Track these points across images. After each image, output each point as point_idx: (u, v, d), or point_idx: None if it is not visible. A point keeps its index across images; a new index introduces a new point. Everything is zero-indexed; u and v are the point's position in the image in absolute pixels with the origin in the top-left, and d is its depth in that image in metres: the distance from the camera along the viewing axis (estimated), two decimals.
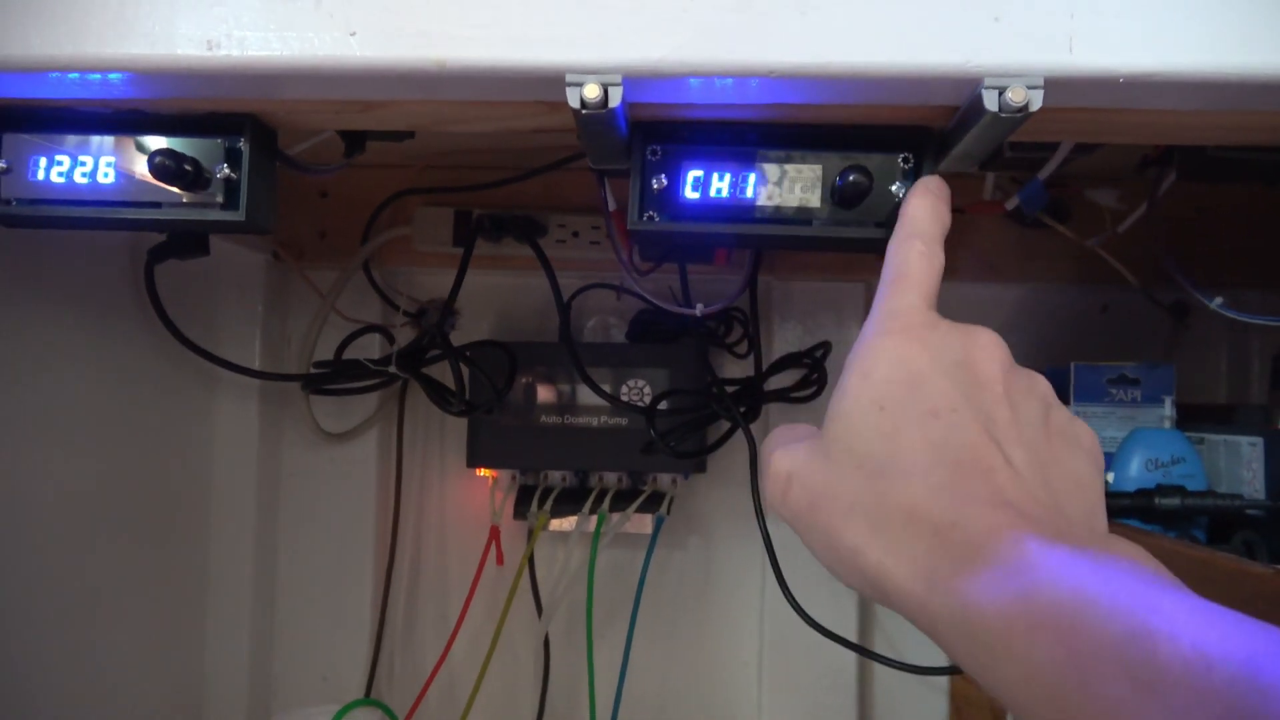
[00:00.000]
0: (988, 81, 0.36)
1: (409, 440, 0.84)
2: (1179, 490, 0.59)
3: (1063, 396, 0.59)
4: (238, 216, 0.44)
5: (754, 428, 0.71)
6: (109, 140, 0.44)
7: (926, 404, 0.30)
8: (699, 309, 0.65)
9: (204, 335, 0.69)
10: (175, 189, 0.44)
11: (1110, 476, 0.63)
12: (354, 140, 0.54)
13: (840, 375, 0.33)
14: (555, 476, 0.79)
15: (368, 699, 0.79)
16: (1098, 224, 0.71)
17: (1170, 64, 0.35)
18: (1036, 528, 0.26)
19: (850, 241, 0.43)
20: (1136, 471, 0.62)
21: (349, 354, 0.74)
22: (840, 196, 0.42)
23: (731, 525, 0.84)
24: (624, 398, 0.76)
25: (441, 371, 0.73)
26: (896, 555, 0.28)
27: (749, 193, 0.43)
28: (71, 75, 0.39)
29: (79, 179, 0.44)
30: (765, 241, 0.45)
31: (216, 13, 0.37)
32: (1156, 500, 0.58)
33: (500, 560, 0.79)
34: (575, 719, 0.82)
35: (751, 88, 0.38)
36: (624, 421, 0.76)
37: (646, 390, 0.76)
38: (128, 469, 0.68)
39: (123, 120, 0.44)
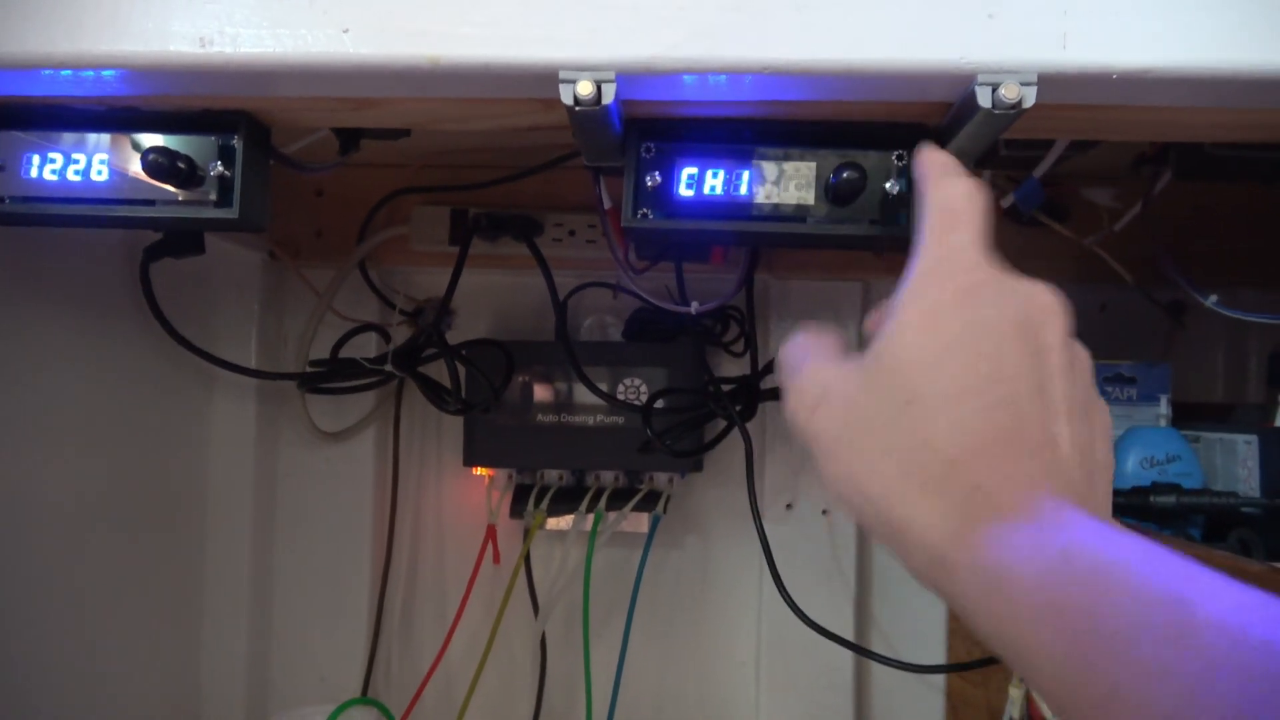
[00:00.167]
0: (981, 78, 0.36)
1: (405, 439, 0.84)
2: (1175, 488, 0.59)
3: None
4: (231, 214, 0.44)
5: (751, 426, 0.71)
6: (103, 138, 0.44)
7: (988, 362, 0.28)
8: (695, 307, 0.65)
9: (200, 334, 0.69)
10: (169, 187, 0.44)
11: None
12: (349, 138, 0.54)
13: (894, 309, 0.31)
14: (552, 475, 0.79)
15: (364, 698, 0.79)
16: (1094, 223, 0.71)
17: (1163, 61, 0.35)
18: (1076, 500, 0.27)
19: (845, 238, 0.43)
20: (1132, 469, 0.62)
21: (345, 353, 0.74)
22: (835, 194, 0.42)
23: (728, 524, 0.84)
24: (620, 396, 0.76)
25: (438, 370, 0.73)
26: (924, 503, 0.27)
27: (743, 190, 0.43)
28: (65, 73, 0.39)
29: (72, 177, 0.44)
30: (759, 239, 0.45)
31: (210, 10, 0.37)
32: (1152, 498, 0.58)
33: (497, 559, 0.79)
34: (572, 718, 0.82)
35: (745, 85, 0.38)
36: (621, 420, 0.76)
37: (643, 389, 0.76)
38: (124, 468, 0.68)
39: (117, 118, 0.44)
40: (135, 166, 0.44)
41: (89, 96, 0.42)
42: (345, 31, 0.37)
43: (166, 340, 0.64)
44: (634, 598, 0.77)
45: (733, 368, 0.80)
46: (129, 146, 0.44)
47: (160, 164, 0.42)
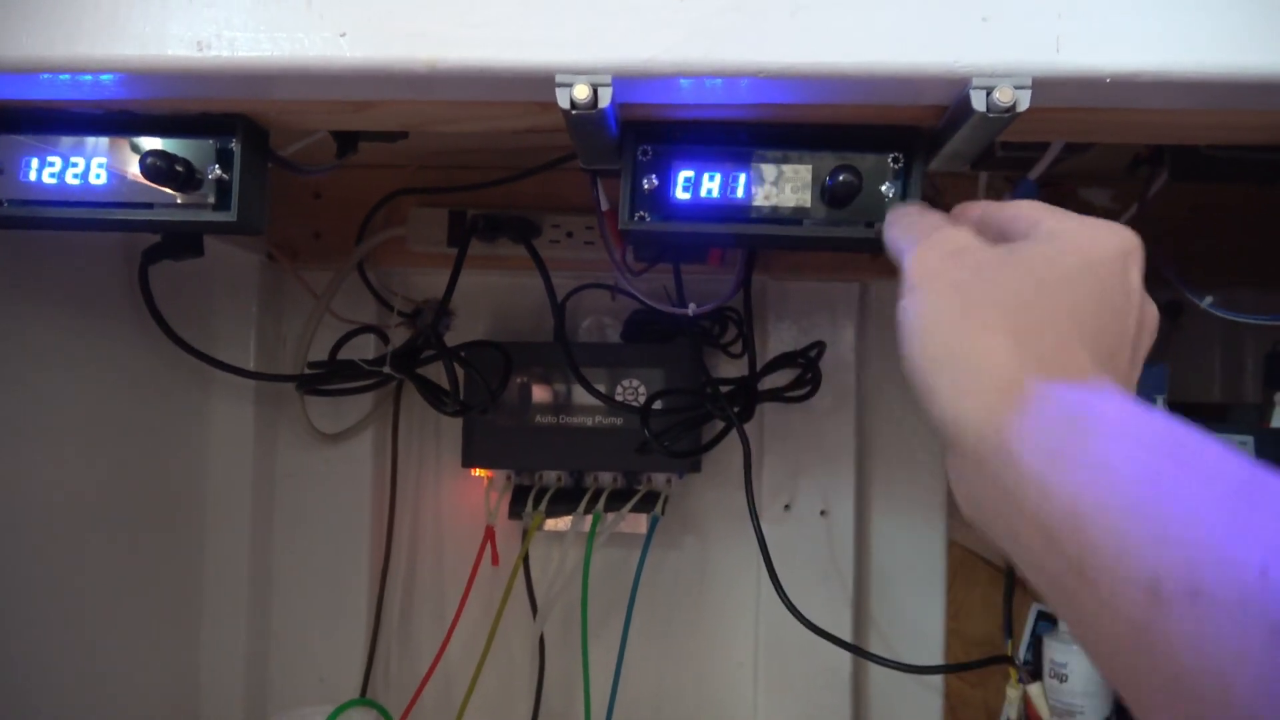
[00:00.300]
0: (976, 81, 0.36)
1: (404, 440, 0.84)
2: None
3: None
4: (229, 217, 0.44)
5: (749, 427, 0.71)
6: (101, 141, 0.44)
7: (1108, 287, 0.33)
8: (692, 309, 0.66)
9: (199, 336, 0.69)
10: (167, 189, 0.44)
11: None
12: (346, 141, 0.54)
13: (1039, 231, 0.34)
14: (550, 476, 0.79)
15: (363, 699, 0.79)
16: None
17: (1157, 64, 0.35)
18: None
19: (841, 240, 0.43)
20: None
21: (344, 355, 0.74)
22: (831, 196, 0.42)
23: (727, 525, 0.84)
24: (618, 398, 0.76)
25: (436, 372, 0.73)
26: (1030, 361, 0.30)
27: (739, 193, 0.43)
28: (63, 76, 0.39)
29: (71, 180, 0.44)
30: (756, 241, 0.45)
31: (207, 14, 0.37)
32: None
33: (495, 560, 0.79)
34: (570, 719, 0.82)
35: (741, 88, 0.38)
36: (619, 421, 0.76)
37: (641, 390, 0.76)
38: (123, 470, 0.68)
39: (114, 121, 0.44)
40: (134, 169, 0.44)
41: (87, 100, 0.42)
42: (342, 35, 0.37)
43: (165, 342, 0.65)
44: (632, 598, 0.78)
45: (731, 369, 0.80)
46: (127, 149, 0.44)
47: (158, 167, 0.43)
